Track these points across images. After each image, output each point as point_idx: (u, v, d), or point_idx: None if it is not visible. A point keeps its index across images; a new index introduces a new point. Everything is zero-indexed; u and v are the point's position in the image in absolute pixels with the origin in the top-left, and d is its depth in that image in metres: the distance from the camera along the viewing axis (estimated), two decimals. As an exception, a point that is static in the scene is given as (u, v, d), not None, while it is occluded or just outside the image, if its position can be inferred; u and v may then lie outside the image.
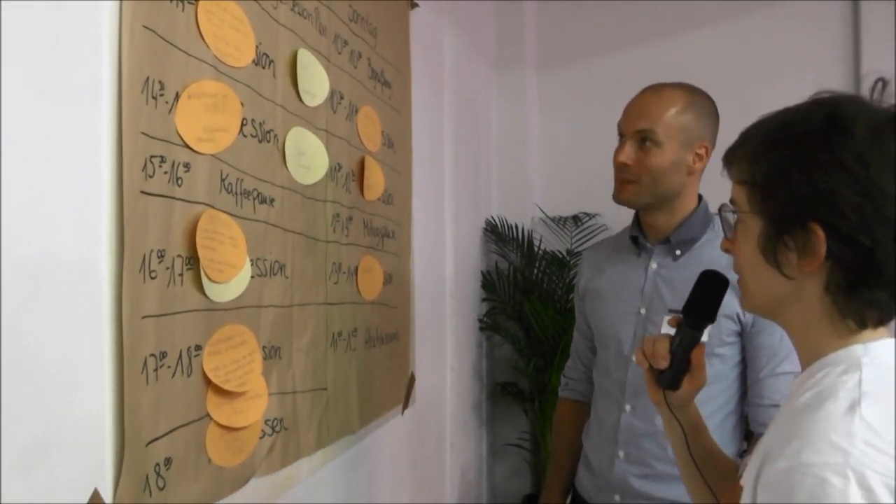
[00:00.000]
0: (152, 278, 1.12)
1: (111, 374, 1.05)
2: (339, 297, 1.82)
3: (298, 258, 1.61)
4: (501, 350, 3.76)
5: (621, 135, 1.62)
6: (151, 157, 1.12)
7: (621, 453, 1.64)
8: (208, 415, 1.26)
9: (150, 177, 1.12)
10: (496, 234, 3.71)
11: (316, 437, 1.67)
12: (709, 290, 1.15)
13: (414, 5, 2.45)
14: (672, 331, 1.18)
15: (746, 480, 0.88)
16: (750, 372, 1.57)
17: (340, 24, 1.83)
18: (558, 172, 4.05)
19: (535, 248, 3.79)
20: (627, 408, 1.63)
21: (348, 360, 1.86)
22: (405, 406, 2.35)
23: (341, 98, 1.84)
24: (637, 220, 1.71)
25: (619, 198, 1.63)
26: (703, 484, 1.17)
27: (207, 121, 1.26)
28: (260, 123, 1.44)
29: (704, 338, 1.16)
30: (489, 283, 3.66)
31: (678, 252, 1.62)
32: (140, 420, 1.09)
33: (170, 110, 1.17)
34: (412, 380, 2.42)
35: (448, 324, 2.95)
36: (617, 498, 1.64)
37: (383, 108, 2.14)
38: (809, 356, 0.94)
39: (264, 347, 1.45)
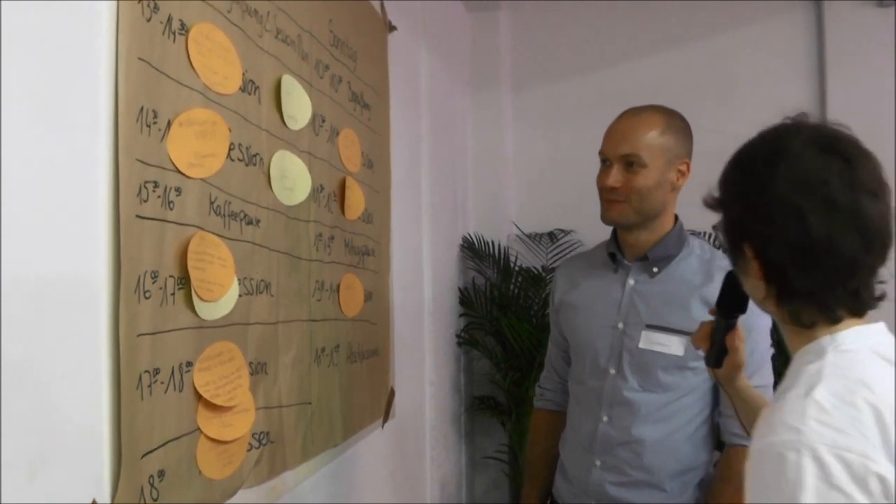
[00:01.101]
0: (146, 298, 1.17)
1: (108, 390, 1.10)
2: (322, 314, 1.87)
3: (283, 277, 1.66)
4: (479, 364, 3.82)
5: (604, 160, 1.68)
6: (146, 182, 1.18)
7: (598, 462, 1.70)
8: (199, 429, 1.31)
9: (145, 201, 1.18)
10: (473, 250, 3.79)
11: (301, 450, 1.72)
12: (733, 286, 1.30)
13: (392, 28, 2.53)
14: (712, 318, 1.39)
15: None
16: None
17: (322, 49, 1.90)
18: (534, 190, 4.13)
19: (512, 265, 3.87)
20: (605, 418, 1.70)
21: (331, 375, 1.92)
22: (385, 420, 2.40)
23: (323, 121, 1.90)
24: (615, 237, 1.77)
25: (607, 217, 1.69)
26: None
27: (197, 147, 1.32)
28: (246, 148, 1.50)
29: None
30: (466, 299, 3.73)
31: (655, 269, 1.70)
32: (136, 434, 1.14)
33: (162, 138, 1.22)
34: (392, 394, 2.47)
35: (426, 339, 3.00)
36: None
37: (363, 130, 2.21)
38: (793, 348, 1.05)
39: (251, 363, 1.50)
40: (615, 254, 1.74)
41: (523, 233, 4.06)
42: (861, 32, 3.70)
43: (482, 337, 3.75)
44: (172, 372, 1.24)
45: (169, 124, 1.24)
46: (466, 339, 3.67)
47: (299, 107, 1.75)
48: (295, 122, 1.72)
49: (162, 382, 1.21)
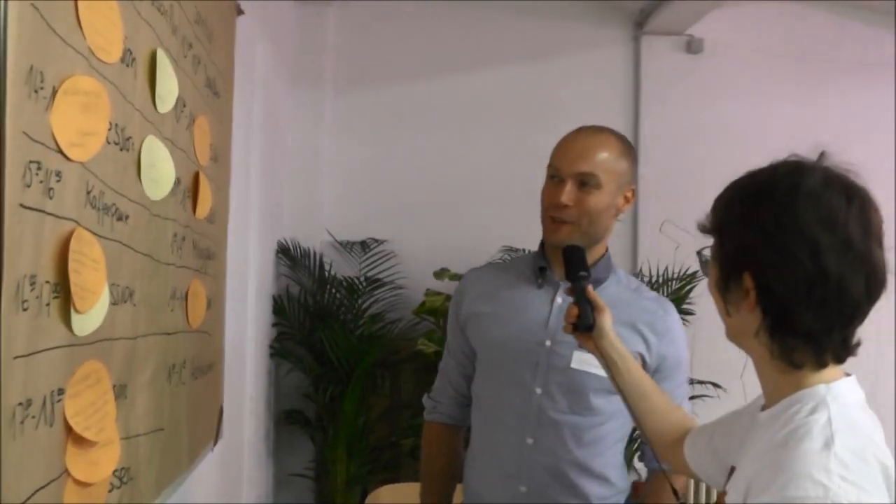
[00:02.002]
0: (24, 310, 0.93)
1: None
2: (174, 327, 1.64)
3: (144, 283, 1.42)
4: (289, 377, 3.62)
5: (554, 176, 1.60)
6: (30, 162, 0.93)
7: (524, 488, 1.62)
8: (66, 470, 1.06)
9: (28, 186, 0.93)
10: (289, 256, 3.59)
11: (155, 484, 1.48)
12: (572, 254, 1.54)
13: (240, 12, 2.30)
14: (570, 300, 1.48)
15: None
16: None
17: (188, 25, 1.67)
18: (348, 196, 4.01)
19: (326, 273, 3.71)
20: (529, 440, 1.62)
21: (180, 395, 1.68)
22: (216, 441, 2.17)
23: (184, 106, 1.66)
24: (543, 253, 1.71)
25: (553, 238, 1.62)
26: (630, 411, 1.39)
27: (80, 122, 1.07)
28: (122, 129, 1.26)
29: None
30: (280, 307, 3.52)
31: None
32: (5, 486, 0.89)
33: (46, 107, 0.98)
34: (221, 412, 2.24)
35: (248, 351, 2.78)
36: None
37: (213, 120, 1.97)
38: (771, 389, 1.04)
39: (115, 386, 1.26)
40: (545, 269, 1.68)
41: (336, 240, 3.93)
42: (673, 74, 4.00)
43: (293, 348, 3.55)
44: (44, 402, 0.99)
45: (54, 92, 0.99)
46: (278, 350, 3.46)
47: (168, 87, 1.51)
48: (163, 104, 1.49)
49: (33, 416, 0.96)
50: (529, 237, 3.78)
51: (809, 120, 4.09)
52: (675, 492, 1.38)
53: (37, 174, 0.95)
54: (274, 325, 3.49)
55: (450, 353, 1.83)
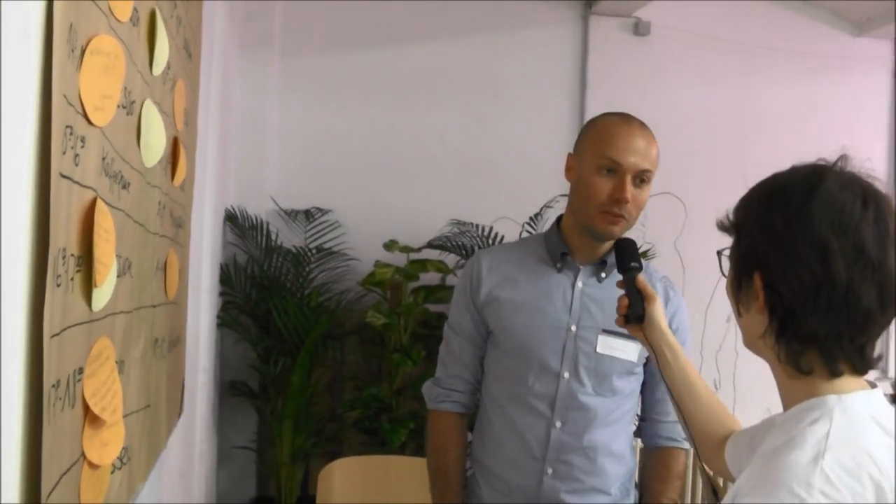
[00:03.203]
0: (58, 285, 0.87)
1: (20, 416, 0.79)
2: (159, 299, 1.57)
3: (138, 254, 1.35)
4: (235, 348, 3.53)
5: (613, 169, 1.57)
6: (66, 127, 0.87)
7: (550, 470, 1.62)
8: (83, 453, 1.01)
9: (63, 154, 0.86)
10: (236, 224, 3.49)
11: (146, 463, 1.42)
12: (625, 246, 1.56)
13: (209, -30, 2.20)
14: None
15: None
16: (656, 391, 1.67)
17: (175, -19, 1.58)
18: (293, 164, 3.93)
19: (273, 242, 3.63)
20: (558, 424, 1.62)
21: (160, 370, 1.62)
22: (179, 415, 2.10)
23: (168, 69, 1.58)
24: (560, 236, 1.69)
25: (609, 231, 1.60)
26: (676, 406, 1.36)
27: (102, 85, 1.01)
28: (129, 92, 1.19)
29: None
30: (226, 276, 3.42)
31: (603, 275, 1.65)
32: (45, 470, 0.84)
33: (78, 67, 0.91)
34: (183, 386, 2.17)
35: (202, 321, 2.69)
36: None
37: (187, 84, 1.89)
38: (785, 395, 1.03)
39: (118, 363, 1.20)
40: (567, 254, 1.66)
41: (281, 209, 3.84)
42: (620, 54, 4.05)
43: (239, 318, 3.47)
44: (68, 383, 0.93)
45: (83, 51, 0.93)
46: (225, 321, 3.37)
47: (162, 49, 1.43)
48: (158, 66, 1.41)
49: (60, 398, 0.90)
50: (476, 210, 3.83)
51: (750, 106, 4.23)
52: (714, 492, 1.40)
53: (69, 139, 0.89)
54: (220, 294, 3.39)
55: (461, 335, 1.75)
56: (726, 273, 1.09)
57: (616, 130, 1.61)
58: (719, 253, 1.09)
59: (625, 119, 1.63)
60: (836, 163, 1.00)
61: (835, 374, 0.97)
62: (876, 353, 0.99)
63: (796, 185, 0.99)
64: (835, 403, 0.96)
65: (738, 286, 1.04)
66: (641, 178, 1.59)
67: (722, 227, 1.07)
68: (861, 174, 0.99)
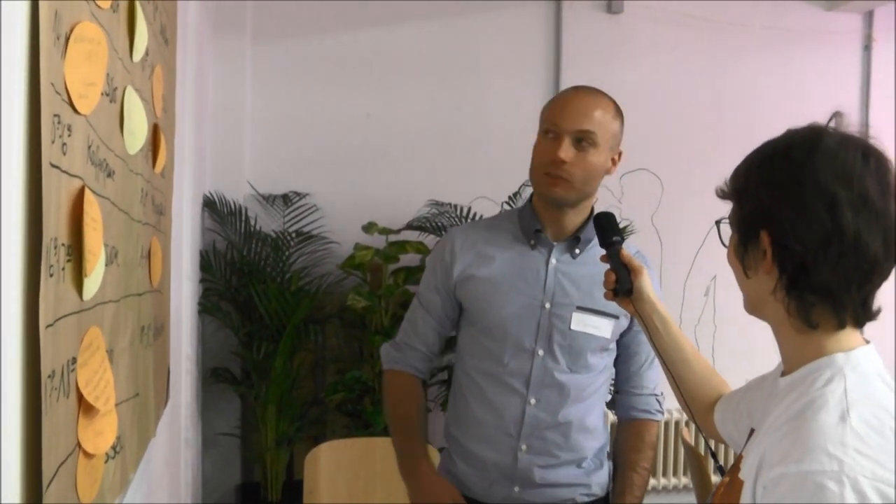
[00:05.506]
0: (50, 276, 0.86)
1: (19, 407, 0.79)
2: (144, 286, 1.57)
3: (124, 242, 1.35)
4: (217, 335, 3.52)
5: (550, 132, 1.59)
6: (53, 115, 0.86)
7: (524, 446, 1.64)
8: (78, 443, 1.01)
9: (52, 143, 0.86)
10: (214, 210, 3.46)
11: (136, 452, 1.42)
12: (604, 220, 1.53)
13: (182, -47, 2.17)
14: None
15: (746, 477, 0.95)
16: (630, 365, 1.69)
17: (151, -35, 1.56)
18: (269, 148, 3.89)
19: (252, 228, 3.61)
20: (532, 401, 1.64)
21: (147, 358, 1.61)
22: (165, 403, 2.09)
23: (147, 55, 1.57)
24: (533, 212, 1.69)
25: (550, 193, 1.61)
26: (669, 374, 1.37)
27: (86, 72, 1.00)
28: (111, 79, 1.18)
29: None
30: (206, 263, 3.40)
31: (577, 251, 1.66)
32: (44, 462, 0.84)
33: (62, 55, 0.90)
34: (168, 373, 2.16)
35: (183, 308, 2.68)
36: (516, 489, 1.64)
37: (164, 70, 1.87)
38: (790, 354, 1.05)
39: (108, 351, 1.19)
40: (540, 231, 1.67)
41: (259, 193, 3.82)
42: (593, 32, 4.05)
43: (220, 304, 3.46)
44: (63, 373, 0.93)
45: (67, 38, 0.92)
46: (206, 307, 3.36)
47: (141, 35, 1.42)
48: (137, 53, 1.40)
49: (55, 388, 0.90)
50: (455, 191, 3.83)
51: (724, 81, 4.25)
52: (713, 455, 1.43)
53: (57, 128, 0.88)
54: (200, 281, 3.37)
55: (427, 310, 1.78)
56: (727, 242, 1.11)
57: (560, 97, 1.67)
58: (718, 222, 1.11)
59: (576, 88, 1.66)
60: (829, 122, 1.04)
61: (840, 325, 1.00)
62: (875, 307, 1.03)
63: (797, 145, 1.02)
64: (843, 362, 0.99)
65: (744, 249, 1.06)
66: (582, 138, 1.59)
67: (721, 194, 1.08)
68: (856, 132, 1.03)
